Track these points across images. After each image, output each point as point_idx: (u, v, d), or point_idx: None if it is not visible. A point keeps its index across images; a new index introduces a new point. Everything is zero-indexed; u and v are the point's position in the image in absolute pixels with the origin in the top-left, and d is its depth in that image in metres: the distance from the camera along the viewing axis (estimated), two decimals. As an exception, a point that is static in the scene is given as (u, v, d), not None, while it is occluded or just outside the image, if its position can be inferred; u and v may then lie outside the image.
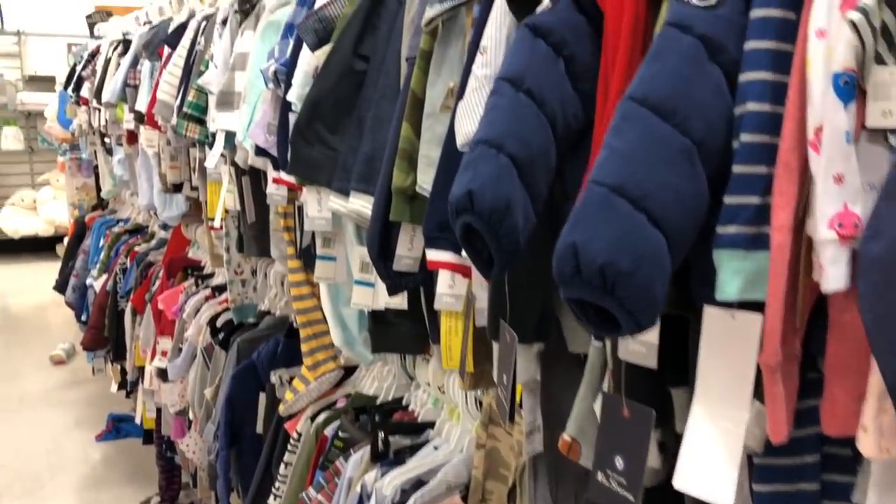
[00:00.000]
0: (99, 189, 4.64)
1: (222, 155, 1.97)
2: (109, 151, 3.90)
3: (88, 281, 3.88)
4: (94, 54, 3.94)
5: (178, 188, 2.57)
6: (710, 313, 0.68)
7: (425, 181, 1.17)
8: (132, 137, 3.13)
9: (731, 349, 0.66)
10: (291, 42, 1.57)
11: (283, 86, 1.53)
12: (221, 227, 2.08)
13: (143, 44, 2.82)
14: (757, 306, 0.65)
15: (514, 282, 0.88)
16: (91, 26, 4.65)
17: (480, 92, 0.98)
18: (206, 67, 2.07)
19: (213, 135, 2.02)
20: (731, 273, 0.63)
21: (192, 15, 2.49)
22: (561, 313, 0.96)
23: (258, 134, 1.63)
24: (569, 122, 0.83)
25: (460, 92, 1.05)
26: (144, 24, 3.23)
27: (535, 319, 0.93)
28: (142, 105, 2.77)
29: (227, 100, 1.90)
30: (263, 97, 1.67)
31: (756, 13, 0.64)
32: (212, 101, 2.04)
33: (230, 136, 1.91)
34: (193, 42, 2.25)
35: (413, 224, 1.24)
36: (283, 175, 1.58)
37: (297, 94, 1.47)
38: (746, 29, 0.65)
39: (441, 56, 1.16)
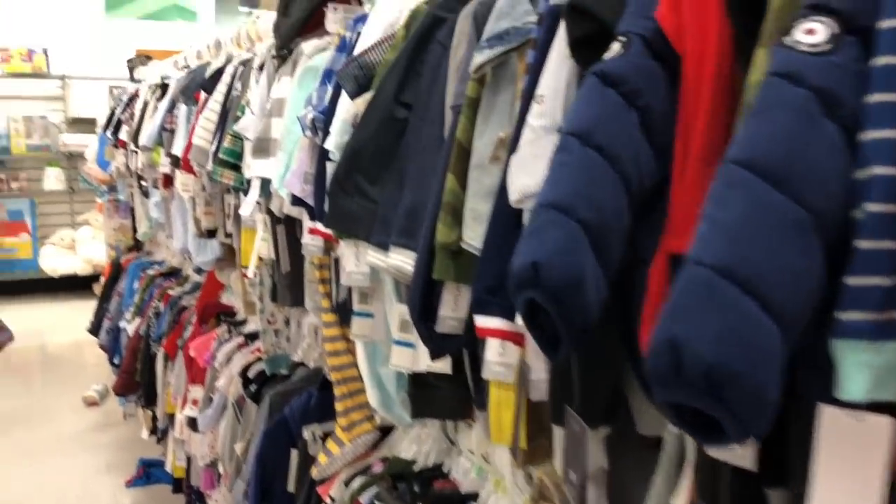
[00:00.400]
0: (135, 230, 4.64)
1: (257, 202, 1.91)
2: (146, 194, 3.90)
3: (122, 324, 3.85)
4: (132, 98, 3.96)
5: (211, 234, 2.51)
6: (829, 414, 0.57)
7: (472, 236, 1.08)
8: (168, 181, 3.10)
9: (856, 457, 0.55)
10: (330, 88, 1.50)
11: (321, 133, 1.47)
12: (255, 276, 2.01)
13: (179, 88, 2.81)
14: (888, 407, 0.54)
15: (581, 361, 0.78)
16: (131, 70, 4.70)
17: (537, 143, 0.89)
18: (243, 113, 2.02)
19: (249, 181, 1.96)
20: (856, 368, 0.53)
21: (229, 60, 2.46)
22: (629, 391, 0.85)
23: (294, 183, 1.56)
24: (643, 181, 0.73)
25: (513, 143, 0.96)
26: (182, 68, 3.23)
27: (604, 401, 0.82)
28: (178, 149, 2.74)
29: (264, 146, 1.85)
30: (300, 145, 1.60)
31: (880, 60, 0.54)
32: (247, 147, 1.99)
33: (266, 184, 1.85)
34: (230, 87, 2.21)
35: (458, 283, 1.14)
36: (320, 226, 1.51)
37: (335, 142, 1.39)
38: (866, 78, 0.55)
39: (490, 104, 1.08)
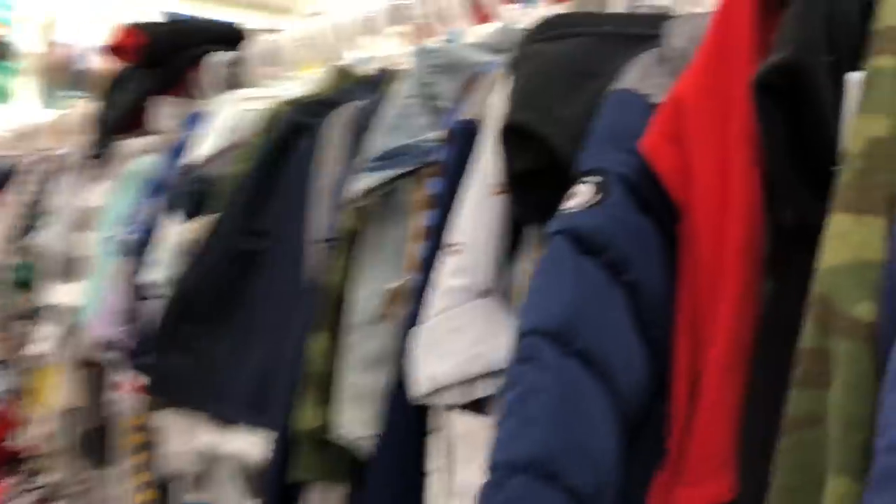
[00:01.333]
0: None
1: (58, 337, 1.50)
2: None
3: None
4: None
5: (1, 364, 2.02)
6: None
7: (350, 422, 0.78)
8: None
9: None
10: (154, 204, 1.17)
11: (136, 262, 1.13)
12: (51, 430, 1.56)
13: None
14: None
15: None
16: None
17: (455, 312, 0.63)
18: (45, 222, 1.62)
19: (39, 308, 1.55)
20: None
21: (37, 154, 2.04)
22: None
23: (103, 324, 1.19)
24: (636, 399, 0.48)
25: (415, 306, 0.69)
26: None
27: None
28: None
29: (69, 267, 1.46)
30: (110, 273, 1.24)
31: None
32: (49, 264, 1.59)
33: (68, 313, 1.45)
34: (36, 188, 1.80)
35: (329, 482, 0.83)
36: (137, 379, 1.14)
37: (160, 276, 1.06)
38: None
39: (375, 243, 0.80)
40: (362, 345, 0.79)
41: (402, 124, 0.78)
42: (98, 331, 1.21)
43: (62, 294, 1.45)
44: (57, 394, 1.50)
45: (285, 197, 0.96)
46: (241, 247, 0.96)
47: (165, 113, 1.46)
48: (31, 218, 1.70)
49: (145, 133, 1.53)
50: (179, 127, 1.23)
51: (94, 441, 1.44)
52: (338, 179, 0.87)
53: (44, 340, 1.47)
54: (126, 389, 1.22)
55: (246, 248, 0.96)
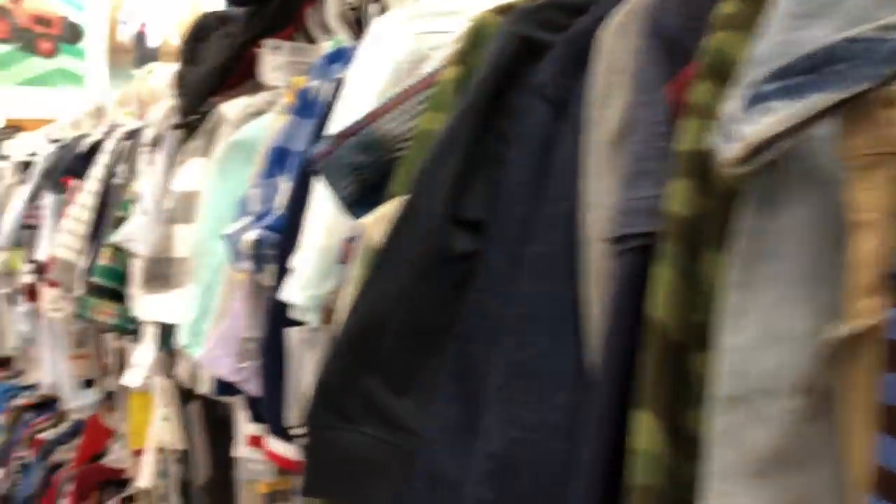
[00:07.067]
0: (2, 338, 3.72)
1: (154, 360, 1.17)
2: (13, 299, 3.04)
3: (-21, 475, 2.92)
4: (-7, 179, 3.12)
5: (88, 384, 1.73)
6: None
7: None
8: (32, 293, 2.29)
9: None
10: (285, 183, 0.81)
11: (277, 269, 0.76)
12: (154, 482, 1.23)
13: (43, 170, 2.04)
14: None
15: None
16: (-5, 144, 3.82)
17: None
18: (127, 213, 1.29)
19: (136, 321, 1.22)
20: None
21: (110, 130, 1.72)
22: None
23: (220, 358, 0.84)
24: None
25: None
26: (52, 141, 2.44)
27: None
28: (43, 254, 1.97)
29: (162, 271, 1.12)
30: (230, 282, 0.89)
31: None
32: (136, 267, 1.26)
33: (168, 334, 1.11)
34: (109, 171, 1.47)
35: None
36: (275, 444, 0.79)
37: (307, 295, 0.69)
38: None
39: (772, 242, 0.41)
40: (747, 434, 0.40)
41: (830, 3, 0.38)
42: (215, 367, 0.86)
43: (157, 307, 1.11)
44: (157, 429, 1.17)
45: (519, 164, 0.57)
46: (451, 249, 0.58)
47: (276, 62, 1.10)
48: (114, 209, 1.37)
49: (247, 91, 1.17)
50: (311, 73, 0.85)
51: (214, 496, 1.11)
52: (647, 127, 0.48)
53: (138, 370, 1.13)
54: (252, 443, 0.88)
55: (458, 251, 0.58)
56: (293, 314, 0.74)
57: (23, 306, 2.71)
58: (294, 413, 0.73)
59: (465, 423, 0.58)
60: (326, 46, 1.05)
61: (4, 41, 6.46)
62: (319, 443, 0.60)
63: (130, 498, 1.93)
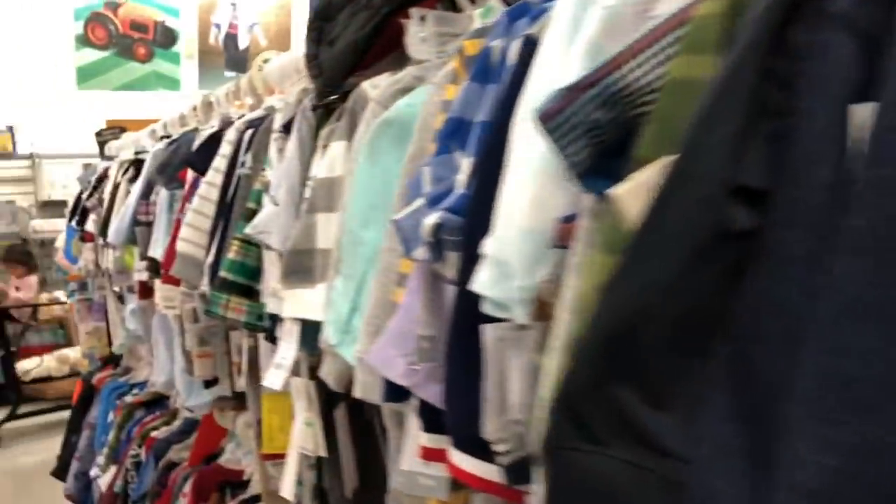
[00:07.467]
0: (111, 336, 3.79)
1: (295, 362, 1.08)
2: (121, 298, 3.07)
3: (93, 471, 2.97)
4: (101, 179, 3.16)
5: (209, 384, 1.68)
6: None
7: None
8: (146, 291, 2.28)
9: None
10: (466, 159, 0.70)
11: (462, 257, 0.66)
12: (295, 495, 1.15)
13: (156, 166, 2.01)
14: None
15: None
16: (101, 145, 3.90)
17: None
18: (258, 204, 1.22)
19: (275, 318, 1.15)
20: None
21: (227, 122, 1.66)
22: None
23: (392, 360, 0.74)
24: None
25: None
26: (161, 138, 2.43)
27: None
28: (157, 251, 1.94)
29: (303, 265, 1.04)
30: (388, 271, 0.79)
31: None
32: (269, 260, 1.18)
33: (310, 330, 1.03)
34: (233, 162, 1.41)
35: None
36: (460, 458, 0.68)
37: (513, 286, 0.59)
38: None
39: None
40: None
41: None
42: (378, 364, 0.76)
43: (299, 304, 1.03)
44: (301, 438, 1.09)
45: (817, 115, 0.45)
46: (726, 225, 0.46)
47: (423, 34, 1.00)
48: (241, 201, 1.30)
49: (388, 67, 1.08)
50: (493, 34, 0.74)
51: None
52: None
53: (279, 372, 1.05)
54: (426, 455, 0.78)
55: (735, 228, 0.46)
56: (485, 308, 0.63)
57: (132, 304, 2.73)
58: (492, 425, 0.62)
59: (747, 445, 0.46)
60: (475, 15, 0.95)
61: (103, 47, 6.69)
62: (559, 468, 0.49)
63: (250, 500, 1.88)
